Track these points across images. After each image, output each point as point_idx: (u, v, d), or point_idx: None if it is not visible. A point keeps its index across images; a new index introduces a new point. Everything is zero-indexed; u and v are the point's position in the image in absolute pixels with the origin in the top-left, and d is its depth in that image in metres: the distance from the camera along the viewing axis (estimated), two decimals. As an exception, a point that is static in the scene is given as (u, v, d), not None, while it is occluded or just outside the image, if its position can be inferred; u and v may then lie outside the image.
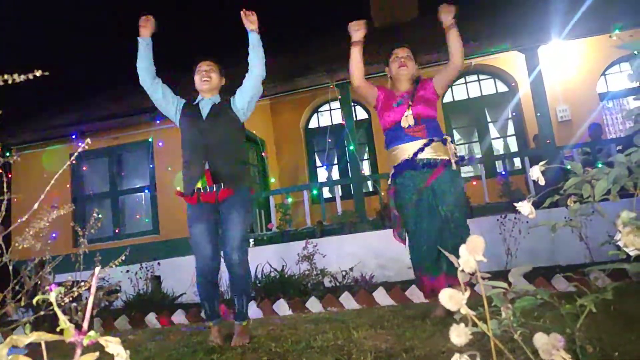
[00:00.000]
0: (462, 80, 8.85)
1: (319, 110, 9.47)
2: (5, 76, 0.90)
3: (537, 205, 1.39)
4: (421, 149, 2.94)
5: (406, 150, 2.97)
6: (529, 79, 6.46)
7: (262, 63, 3.00)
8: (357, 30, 3.08)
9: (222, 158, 2.89)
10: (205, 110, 3.01)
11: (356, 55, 3.14)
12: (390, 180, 3.11)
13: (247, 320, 2.92)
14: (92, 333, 0.75)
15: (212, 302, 2.94)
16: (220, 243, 2.89)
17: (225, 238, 2.85)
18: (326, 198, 8.02)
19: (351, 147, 7.01)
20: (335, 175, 9.37)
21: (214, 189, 2.82)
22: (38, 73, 0.94)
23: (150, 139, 7.63)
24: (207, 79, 3.01)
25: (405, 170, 2.97)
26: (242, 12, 2.98)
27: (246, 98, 3.01)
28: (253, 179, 2.50)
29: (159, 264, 5.69)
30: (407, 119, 3.00)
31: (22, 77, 0.91)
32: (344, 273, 4.99)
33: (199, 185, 2.83)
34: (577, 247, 4.42)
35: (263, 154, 8.65)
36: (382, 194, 7.13)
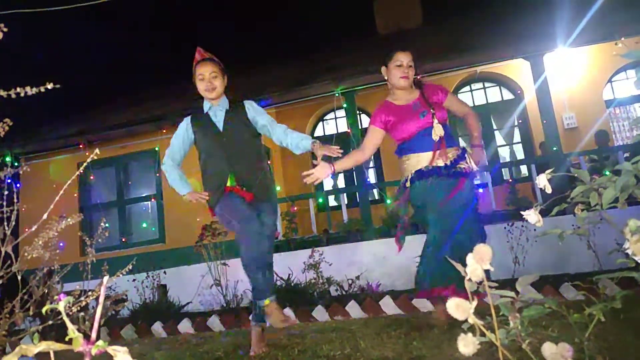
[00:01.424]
0: (467, 88, 8.85)
1: (325, 118, 9.50)
2: (18, 89, 0.92)
3: (544, 213, 1.39)
4: (456, 160, 2.86)
5: (427, 158, 2.88)
6: (535, 86, 6.45)
7: (288, 148, 2.97)
8: (319, 177, 2.97)
9: (246, 168, 2.86)
10: (219, 120, 2.93)
11: (352, 163, 3.19)
12: (405, 184, 2.98)
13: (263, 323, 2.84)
14: (100, 342, 0.76)
15: (264, 292, 2.75)
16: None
17: None
18: (332, 206, 8.02)
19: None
20: (341, 183, 9.37)
21: (244, 189, 2.81)
22: (50, 86, 0.95)
23: (156, 148, 7.68)
24: (210, 89, 2.90)
25: (430, 177, 2.86)
26: (329, 149, 2.90)
27: (260, 124, 2.98)
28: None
29: (165, 272, 5.70)
30: (436, 131, 2.90)
31: (34, 90, 0.92)
32: (350, 282, 4.98)
33: (229, 184, 2.81)
34: (586, 255, 4.38)
35: (268, 162, 8.67)
36: (389, 202, 7.12)
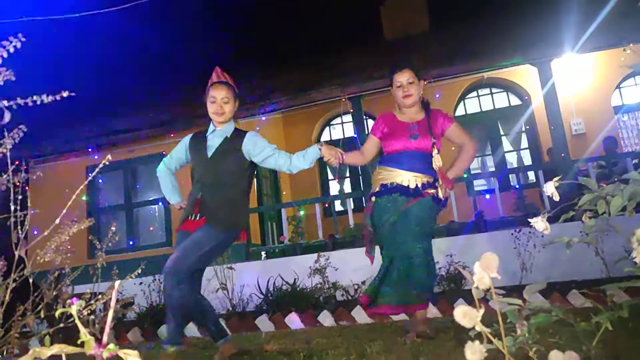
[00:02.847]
0: (474, 93, 8.84)
1: (331, 123, 9.52)
2: (35, 97, 0.94)
3: (552, 220, 1.39)
4: (425, 185, 2.90)
5: (401, 176, 2.92)
6: (542, 92, 6.44)
7: (297, 170, 2.97)
8: (333, 162, 2.97)
9: (212, 194, 2.84)
10: (212, 146, 2.92)
11: (353, 162, 3.24)
12: (371, 197, 3.04)
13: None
14: (111, 346, 0.77)
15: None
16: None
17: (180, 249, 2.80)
18: (338, 211, 8.02)
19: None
20: (348, 188, 9.37)
21: (197, 218, 2.82)
22: (65, 94, 0.97)
23: (164, 152, 7.73)
24: (220, 113, 2.89)
25: (392, 194, 2.92)
26: (339, 155, 2.93)
27: (257, 160, 2.94)
28: (245, 215, 2.47)
29: (171, 276, 5.71)
30: (436, 161, 2.93)
31: (50, 98, 0.95)
32: (356, 287, 4.97)
33: (188, 217, 2.87)
34: (594, 262, 4.35)
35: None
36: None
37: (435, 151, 2.96)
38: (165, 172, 3.09)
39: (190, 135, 3.07)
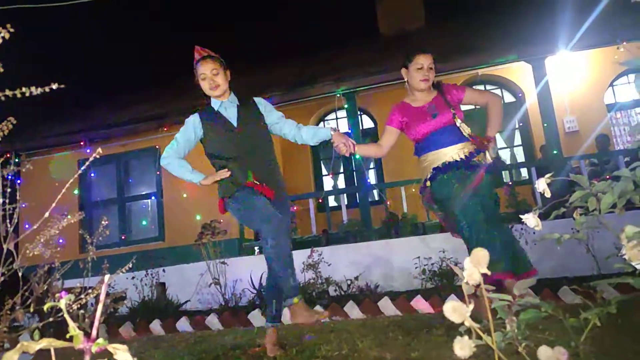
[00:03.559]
0: (468, 90, 8.86)
1: (326, 119, 9.51)
2: (24, 89, 0.93)
3: (543, 216, 1.39)
4: (472, 154, 2.87)
5: (446, 154, 2.89)
6: (536, 89, 6.46)
7: (302, 143, 2.98)
8: (342, 150, 2.97)
9: (263, 163, 2.80)
10: (231, 116, 2.86)
11: (368, 153, 3.23)
12: (425, 184, 2.96)
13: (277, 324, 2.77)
14: (100, 340, 0.76)
15: (289, 286, 2.64)
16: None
17: None
18: (332, 207, 8.03)
19: (357, 156, 7.01)
20: (341, 184, 9.38)
21: (265, 185, 2.72)
22: (54, 86, 0.96)
23: (157, 146, 7.69)
24: (215, 87, 2.84)
25: (447, 172, 2.85)
26: (351, 144, 2.92)
27: (270, 121, 2.95)
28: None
29: (164, 270, 5.70)
30: (464, 129, 2.91)
31: (39, 90, 0.93)
32: (348, 282, 4.99)
33: (249, 179, 2.72)
34: (585, 259, 4.39)
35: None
36: (388, 203, 7.13)
37: (458, 121, 2.94)
38: (176, 159, 2.87)
39: (195, 115, 2.91)
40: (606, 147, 7.01)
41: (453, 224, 2.95)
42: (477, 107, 3.23)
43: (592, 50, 6.99)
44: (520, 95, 8.45)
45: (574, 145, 7.45)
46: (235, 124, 2.84)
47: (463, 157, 2.87)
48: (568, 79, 7.72)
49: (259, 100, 3.00)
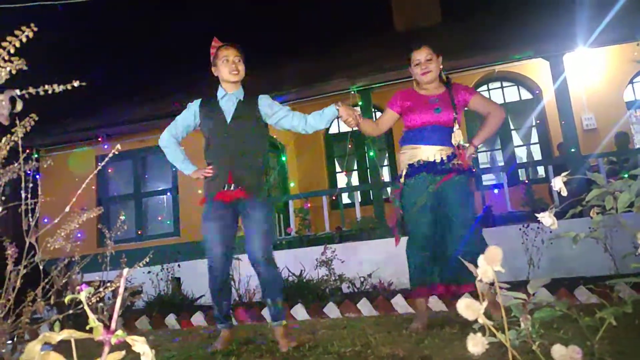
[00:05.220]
0: (484, 87, 8.77)
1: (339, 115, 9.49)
2: (46, 87, 0.95)
3: (560, 215, 1.38)
4: (449, 157, 2.91)
5: (426, 152, 2.93)
6: (554, 86, 6.37)
7: (313, 130, 2.98)
8: (351, 122, 2.99)
9: (245, 164, 2.82)
10: (229, 110, 2.88)
11: (365, 129, 3.20)
12: (399, 178, 3.03)
13: (283, 321, 2.82)
14: (119, 332, 0.78)
15: (221, 304, 2.93)
16: (245, 243, 2.86)
17: (248, 237, 2.81)
18: (345, 204, 8.02)
19: (371, 154, 7.01)
20: (355, 181, 9.37)
21: (231, 188, 2.77)
22: (76, 84, 0.99)
23: (173, 142, 7.77)
24: (235, 72, 2.86)
25: (421, 173, 2.91)
26: (357, 115, 2.95)
27: (272, 121, 2.95)
28: (271, 183, 2.47)
29: (179, 265, 5.77)
30: (456, 136, 2.93)
31: (61, 87, 0.96)
32: (362, 279, 4.99)
33: (221, 188, 2.80)
34: (602, 258, 4.32)
35: (283, 158, 8.71)
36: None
37: (456, 126, 2.96)
38: (172, 142, 2.96)
39: (198, 101, 2.97)
40: (626, 145, 6.89)
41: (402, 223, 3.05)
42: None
43: (611, 47, 6.87)
44: (537, 92, 8.33)
45: (592, 143, 7.33)
46: (228, 120, 2.86)
47: (439, 159, 2.89)
48: (586, 76, 7.60)
49: (263, 98, 2.96)
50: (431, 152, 2.93)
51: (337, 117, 2.95)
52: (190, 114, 2.96)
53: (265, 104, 2.95)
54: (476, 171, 3.05)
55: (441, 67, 3.09)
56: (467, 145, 2.99)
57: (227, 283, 3.01)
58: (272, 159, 8.21)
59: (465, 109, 3.13)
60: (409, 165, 2.97)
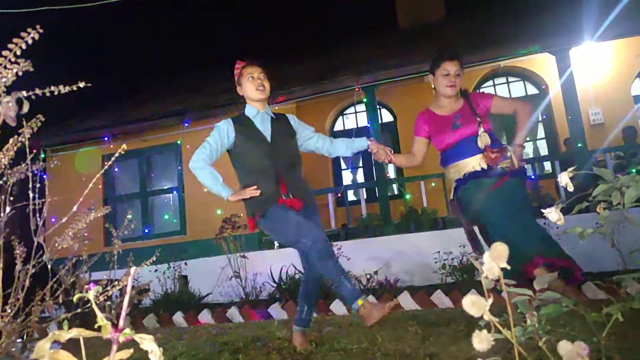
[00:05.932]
0: (490, 82, 8.72)
1: (345, 113, 9.49)
2: (52, 87, 0.96)
3: (567, 210, 1.37)
4: (492, 164, 2.83)
5: (469, 164, 2.88)
6: (560, 81, 6.33)
7: (337, 155, 2.97)
8: (382, 157, 2.99)
9: (295, 178, 2.78)
10: (266, 128, 2.81)
11: (401, 162, 3.21)
12: (452, 195, 2.98)
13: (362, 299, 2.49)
14: (127, 330, 0.79)
15: (312, 303, 2.80)
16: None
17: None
18: (351, 201, 8.03)
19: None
20: (360, 178, 9.36)
21: (291, 197, 2.70)
22: (82, 84, 0.99)
23: (178, 142, 7.80)
24: (262, 88, 2.81)
25: (468, 182, 2.85)
26: (388, 152, 2.95)
27: (300, 141, 2.94)
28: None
29: (186, 264, 5.80)
30: (482, 139, 2.86)
31: (67, 89, 0.96)
32: (368, 276, 4.99)
33: (281, 196, 2.69)
34: (609, 254, 4.29)
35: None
36: (407, 197, 7.10)
37: (481, 130, 2.89)
38: (208, 167, 2.72)
39: (230, 121, 2.81)
40: (633, 139, 6.83)
41: (474, 232, 2.91)
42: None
43: (618, 41, 6.81)
44: (543, 87, 8.28)
45: (599, 138, 7.27)
46: (269, 138, 2.78)
47: (485, 166, 2.84)
48: (593, 70, 7.54)
49: (292, 118, 2.98)
50: (473, 163, 2.87)
51: (367, 150, 2.96)
52: (224, 133, 2.78)
53: (296, 122, 2.96)
54: (524, 171, 2.95)
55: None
56: (510, 148, 2.89)
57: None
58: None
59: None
60: (456, 180, 2.92)
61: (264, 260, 5.60)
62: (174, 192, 8.00)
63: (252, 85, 2.80)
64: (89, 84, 1.02)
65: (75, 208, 1.35)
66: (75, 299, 0.85)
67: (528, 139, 8.59)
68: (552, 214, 1.32)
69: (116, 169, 8.08)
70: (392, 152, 2.99)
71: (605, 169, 1.31)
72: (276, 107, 7.62)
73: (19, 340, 1.61)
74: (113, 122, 8.30)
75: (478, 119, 2.91)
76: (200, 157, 2.73)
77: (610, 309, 1.04)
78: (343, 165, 9.46)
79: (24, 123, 1.45)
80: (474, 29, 7.82)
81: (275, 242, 7.07)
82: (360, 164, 9.39)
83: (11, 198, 1.50)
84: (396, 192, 8.45)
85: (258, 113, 2.83)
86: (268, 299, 5.05)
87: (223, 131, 2.77)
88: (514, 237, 2.60)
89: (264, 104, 2.88)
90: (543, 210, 1.35)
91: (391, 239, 5.95)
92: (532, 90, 8.59)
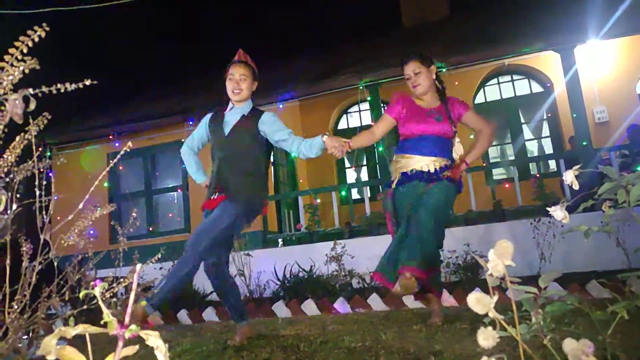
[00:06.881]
0: (494, 80, 8.69)
1: (348, 111, 9.48)
2: (59, 85, 0.97)
3: (572, 209, 1.37)
4: (442, 168, 2.93)
5: (420, 162, 2.95)
6: (565, 79, 6.30)
7: (305, 157, 3.02)
8: (337, 154, 2.99)
9: (230, 170, 2.87)
10: (229, 124, 2.95)
11: (360, 144, 3.22)
12: (391, 184, 3.07)
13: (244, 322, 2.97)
14: (133, 326, 0.79)
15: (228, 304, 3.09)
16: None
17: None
18: (355, 199, 8.03)
19: (380, 149, 6.99)
20: (364, 176, 9.35)
21: (217, 196, 2.85)
22: (88, 82, 1.00)
23: (182, 140, 7.81)
24: (238, 91, 2.92)
25: (412, 181, 2.94)
26: (343, 144, 2.95)
27: (272, 141, 2.96)
28: (264, 187, 2.48)
29: (190, 262, 5.81)
30: (457, 149, 3.00)
31: (73, 86, 0.97)
32: (372, 274, 4.99)
33: (208, 197, 2.92)
34: (615, 252, 4.29)
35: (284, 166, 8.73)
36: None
37: (457, 139, 3.01)
38: (188, 152, 3.15)
39: (210, 114, 3.11)
40: (638, 138, 6.79)
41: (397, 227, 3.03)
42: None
43: (623, 39, 6.77)
44: (548, 85, 8.25)
45: (604, 136, 7.25)
46: (226, 132, 2.93)
47: (432, 170, 2.92)
48: (598, 68, 7.50)
49: (267, 117, 2.97)
50: (425, 163, 2.95)
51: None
52: (203, 127, 3.10)
53: (267, 123, 2.94)
54: (461, 185, 3.08)
55: (434, 77, 3.09)
56: (458, 163, 3.03)
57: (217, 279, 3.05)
58: (281, 156, 8.21)
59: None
60: (402, 173, 3.00)
61: (268, 258, 5.61)
62: (178, 190, 8.03)
63: (229, 85, 2.96)
64: (95, 82, 1.02)
65: (81, 205, 1.36)
66: (81, 295, 0.85)
67: (533, 137, 8.56)
68: (558, 212, 1.32)
69: (120, 167, 8.12)
70: (349, 142, 3.01)
71: (611, 168, 1.30)
72: (280, 105, 7.64)
73: (26, 336, 1.63)
74: (118, 121, 8.33)
75: (453, 125, 3.01)
76: (185, 145, 3.16)
77: (615, 307, 1.04)
78: (347, 164, 9.46)
79: (30, 120, 1.46)
80: (478, 26, 7.79)
81: (279, 240, 7.09)
82: (364, 163, 9.38)
83: (18, 195, 1.51)
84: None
85: (232, 108, 3.01)
86: (272, 297, 5.05)
87: (203, 123, 3.11)
88: (425, 232, 2.75)
89: (242, 102, 3.00)
90: (548, 209, 1.35)
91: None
92: (537, 88, 8.56)
